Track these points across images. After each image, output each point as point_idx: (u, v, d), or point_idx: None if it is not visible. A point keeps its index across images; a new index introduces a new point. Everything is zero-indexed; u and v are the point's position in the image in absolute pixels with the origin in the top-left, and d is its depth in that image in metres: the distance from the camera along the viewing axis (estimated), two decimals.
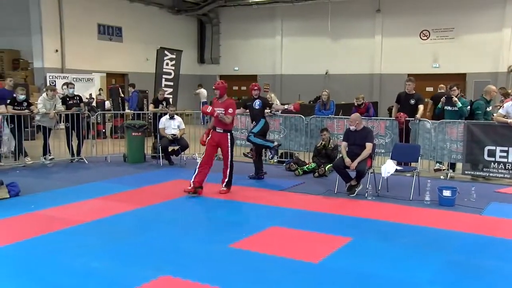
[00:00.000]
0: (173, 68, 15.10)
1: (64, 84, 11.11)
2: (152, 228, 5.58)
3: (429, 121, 8.88)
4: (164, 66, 15.01)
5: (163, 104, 10.81)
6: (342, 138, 7.73)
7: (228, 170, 7.24)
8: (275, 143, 8.32)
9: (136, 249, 4.83)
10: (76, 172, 9.14)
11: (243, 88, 21.74)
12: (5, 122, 9.32)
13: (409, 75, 15.35)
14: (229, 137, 7.19)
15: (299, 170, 8.88)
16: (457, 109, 8.63)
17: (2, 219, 5.80)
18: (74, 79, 15.49)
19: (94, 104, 15.22)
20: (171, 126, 9.87)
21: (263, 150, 8.86)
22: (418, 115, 8.79)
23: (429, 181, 7.03)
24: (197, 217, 6.28)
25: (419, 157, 7.60)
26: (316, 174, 8.64)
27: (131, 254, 4.66)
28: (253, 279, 4.11)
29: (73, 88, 10.40)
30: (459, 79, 16.49)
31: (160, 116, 10.24)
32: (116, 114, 13.90)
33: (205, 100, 19.05)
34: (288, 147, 9.96)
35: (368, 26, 19.88)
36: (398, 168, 7.27)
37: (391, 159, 7.51)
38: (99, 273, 4.18)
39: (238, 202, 6.89)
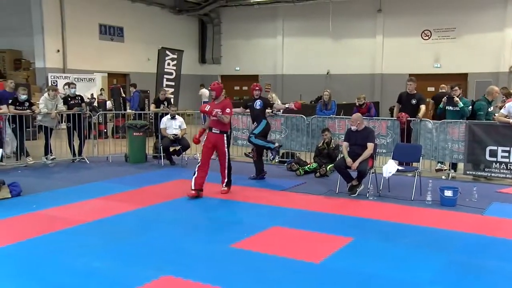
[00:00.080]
0: (174, 68, 15.11)
1: (65, 84, 11.16)
2: (153, 228, 5.59)
3: (430, 121, 8.87)
4: (166, 66, 15.02)
5: (164, 104, 10.81)
6: (343, 138, 7.72)
7: (226, 171, 7.21)
8: (276, 144, 8.29)
9: (138, 249, 4.83)
10: (78, 172, 9.15)
11: (245, 88, 21.75)
12: (7, 123, 9.34)
13: (410, 75, 15.30)
14: (225, 138, 7.14)
15: (300, 170, 8.87)
16: (458, 109, 8.63)
17: (4, 219, 5.82)
18: (76, 79, 15.50)
19: (95, 104, 15.21)
20: (172, 126, 9.88)
21: (264, 150, 8.86)
22: (420, 114, 8.78)
23: (430, 181, 7.02)
24: (199, 217, 6.28)
25: (421, 157, 7.59)
26: (318, 174, 8.64)
27: (133, 254, 4.67)
28: (254, 279, 4.11)
29: (75, 88, 10.43)
30: (461, 79, 16.48)
31: (162, 116, 10.25)
32: (118, 114, 13.91)
33: (207, 100, 19.04)
34: (289, 147, 9.96)
35: (370, 26, 19.87)
36: (400, 168, 7.26)
37: (392, 159, 7.51)
38: (100, 273, 4.18)
39: (239, 202, 6.89)
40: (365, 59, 19.95)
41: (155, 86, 14.68)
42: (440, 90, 12.11)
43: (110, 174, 8.85)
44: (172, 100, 12.92)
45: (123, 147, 10.91)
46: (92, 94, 16.08)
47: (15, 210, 6.14)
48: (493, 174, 8.16)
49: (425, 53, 18.89)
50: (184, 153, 9.98)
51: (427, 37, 19.04)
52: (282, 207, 6.57)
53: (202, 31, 24.02)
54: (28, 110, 9.37)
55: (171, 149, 9.94)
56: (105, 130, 13.73)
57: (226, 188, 7.26)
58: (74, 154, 10.04)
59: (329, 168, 8.57)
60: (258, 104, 8.33)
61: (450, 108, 8.81)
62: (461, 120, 8.46)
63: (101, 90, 17.36)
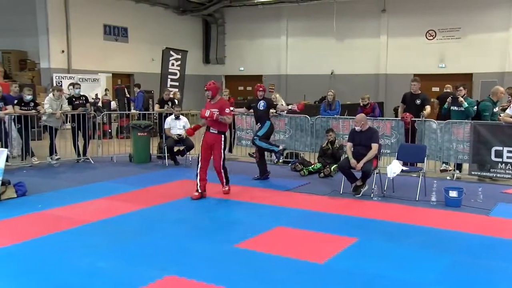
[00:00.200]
0: (178, 68, 15.15)
1: (70, 85, 11.17)
2: (157, 228, 5.60)
3: (435, 121, 8.84)
4: (170, 67, 15.06)
5: (168, 105, 10.83)
6: (347, 139, 7.70)
7: (223, 173, 7.14)
8: (280, 147, 8.24)
9: (142, 249, 4.84)
10: (82, 172, 9.18)
11: (249, 88, 21.73)
12: (13, 123, 9.39)
13: (415, 75, 15.27)
14: (222, 139, 7.04)
15: (304, 170, 8.87)
16: (463, 109, 8.59)
17: (9, 218, 5.85)
18: (80, 80, 15.54)
19: (100, 104, 15.27)
20: (176, 126, 9.90)
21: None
22: (425, 113, 8.74)
23: (435, 181, 7.00)
24: (203, 217, 6.28)
25: (425, 158, 7.57)
26: (322, 174, 8.63)
27: (137, 254, 4.68)
28: (258, 280, 4.10)
29: (79, 88, 10.45)
30: (466, 79, 16.40)
31: (166, 116, 10.27)
32: (122, 114, 13.95)
33: None
34: (293, 147, 9.95)
35: (374, 26, 19.82)
36: (404, 168, 7.24)
37: (397, 159, 7.48)
38: (105, 273, 4.19)
39: (243, 203, 6.89)
40: (369, 59, 19.90)
41: (159, 87, 14.72)
42: (444, 90, 12.08)
43: (114, 174, 8.88)
44: (176, 101, 12.95)
45: (128, 147, 10.93)
46: (96, 94, 16.13)
47: (21, 210, 6.18)
48: (498, 175, 8.11)
49: (429, 53, 18.81)
50: (188, 153, 10.00)
51: (431, 37, 18.97)
52: (286, 208, 6.57)
53: (206, 31, 24.03)
54: (33, 110, 9.41)
55: (175, 149, 9.96)
56: (110, 130, 13.75)
57: (227, 187, 7.24)
58: (78, 154, 10.08)
59: (333, 169, 8.55)
60: (261, 104, 8.32)
61: (455, 108, 8.77)
62: (466, 121, 8.42)
63: (105, 90, 17.39)
